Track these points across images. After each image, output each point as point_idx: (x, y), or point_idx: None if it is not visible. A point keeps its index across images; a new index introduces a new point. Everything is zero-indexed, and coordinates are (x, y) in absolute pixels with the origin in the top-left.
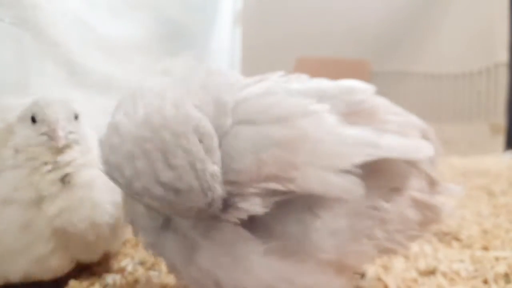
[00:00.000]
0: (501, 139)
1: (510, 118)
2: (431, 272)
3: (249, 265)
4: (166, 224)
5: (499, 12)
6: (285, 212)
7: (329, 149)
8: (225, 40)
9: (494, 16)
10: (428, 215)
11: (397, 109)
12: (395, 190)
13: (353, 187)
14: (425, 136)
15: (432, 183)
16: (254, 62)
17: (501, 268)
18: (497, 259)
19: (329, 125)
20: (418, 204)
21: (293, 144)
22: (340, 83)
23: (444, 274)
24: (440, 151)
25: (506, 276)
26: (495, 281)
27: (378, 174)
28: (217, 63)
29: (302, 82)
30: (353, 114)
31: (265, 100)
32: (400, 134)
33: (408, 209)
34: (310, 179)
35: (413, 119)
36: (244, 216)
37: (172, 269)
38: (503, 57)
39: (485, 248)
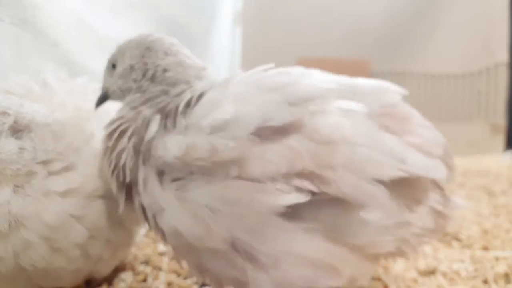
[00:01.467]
0: (501, 139)
1: (510, 118)
2: (431, 272)
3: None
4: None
5: (499, 12)
6: (316, 202)
7: (366, 156)
8: (225, 40)
9: (494, 16)
10: (440, 223)
11: (425, 122)
12: (417, 200)
13: (382, 197)
14: (445, 154)
15: (445, 196)
16: (254, 62)
17: (501, 268)
18: (497, 259)
19: (367, 129)
20: (435, 213)
21: (332, 144)
22: (372, 81)
23: (444, 274)
24: (455, 168)
25: (506, 276)
26: (495, 281)
27: (405, 186)
28: (217, 63)
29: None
30: (386, 116)
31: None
32: (425, 152)
33: (426, 217)
34: (345, 184)
35: (438, 135)
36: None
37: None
38: (503, 57)
39: (485, 248)
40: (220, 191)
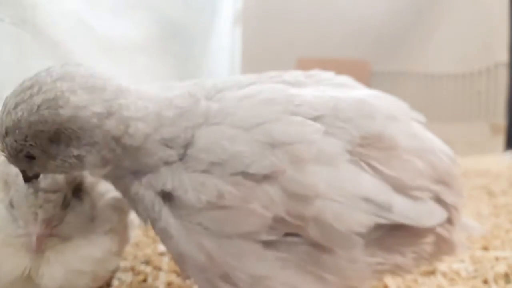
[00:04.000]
0: (501, 139)
1: (510, 118)
2: (431, 272)
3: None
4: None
5: (499, 12)
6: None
7: (339, 210)
8: (225, 40)
9: (494, 16)
10: (443, 248)
11: (423, 146)
12: (409, 243)
13: (356, 245)
14: (444, 179)
15: (452, 221)
16: (254, 62)
17: (501, 268)
18: (497, 259)
19: (343, 181)
20: (439, 239)
21: (306, 197)
22: (361, 98)
23: (444, 274)
24: (462, 191)
25: (506, 276)
26: (495, 281)
27: (394, 231)
28: (217, 63)
29: (315, 84)
30: (369, 146)
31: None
32: (413, 189)
33: (426, 244)
34: (316, 233)
35: (429, 159)
36: None
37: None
38: (503, 57)
39: (485, 248)
40: (213, 217)
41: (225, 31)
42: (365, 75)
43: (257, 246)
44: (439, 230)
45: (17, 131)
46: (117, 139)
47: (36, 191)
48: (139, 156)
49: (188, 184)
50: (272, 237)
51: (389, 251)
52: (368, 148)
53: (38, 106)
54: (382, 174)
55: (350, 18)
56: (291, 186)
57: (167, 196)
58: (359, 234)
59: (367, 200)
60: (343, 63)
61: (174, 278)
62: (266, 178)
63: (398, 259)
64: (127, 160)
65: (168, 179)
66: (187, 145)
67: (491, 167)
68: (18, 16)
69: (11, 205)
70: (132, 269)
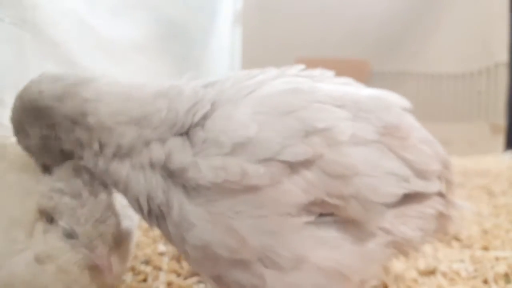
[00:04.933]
0: (501, 139)
1: (510, 118)
2: (431, 272)
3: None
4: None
5: (499, 12)
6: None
7: (374, 184)
8: (225, 40)
9: (494, 16)
10: (443, 223)
11: (426, 135)
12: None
13: (386, 216)
14: (444, 168)
15: (447, 199)
16: (254, 62)
17: (501, 268)
18: (497, 259)
19: (375, 156)
20: (438, 215)
21: (346, 176)
22: (375, 93)
23: (444, 274)
24: (453, 182)
25: (506, 276)
26: (495, 281)
27: (409, 203)
28: (217, 63)
29: (331, 82)
30: (388, 135)
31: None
32: (422, 169)
33: (431, 219)
34: (354, 210)
35: (438, 149)
36: None
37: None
38: (503, 57)
39: (485, 248)
40: (246, 200)
41: (225, 31)
42: (365, 75)
43: (296, 225)
44: (438, 204)
45: None
46: (73, 120)
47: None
48: (104, 137)
49: (207, 168)
50: (309, 218)
51: (399, 220)
52: (388, 137)
53: None
54: (403, 159)
55: (350, 18)
56: (331, 168)
57: (177, 182)
58: (389, 205)
59: (394, 174)
60: (343, 63)
61: (174, 278)
62: (302, 164)
63: (405, 230)
64: (94, 143)
65: (173, 158)
66: (188, 128)
67: (491, 167)
68: (18, 16)
69: (67, 235)
70: (132, 269)
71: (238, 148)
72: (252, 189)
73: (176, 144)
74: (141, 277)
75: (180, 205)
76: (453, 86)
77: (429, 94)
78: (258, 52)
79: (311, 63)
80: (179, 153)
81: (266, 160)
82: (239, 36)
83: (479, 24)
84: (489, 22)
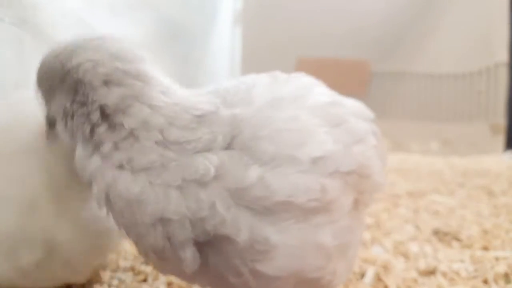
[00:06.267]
0: (501, 139)
1: (510, 118)
2: (431, 272)
3: None
4: None
5: (499, 12)
6: None
7: (381, 175)
8: (225, 40)
9: (494, 16)
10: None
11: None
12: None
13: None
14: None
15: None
16: (254, 62)
17: (501, 268)
18: (497, 259)
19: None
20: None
21: (369, 177)
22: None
23: (444, 274)
24: (384, 146)
25: (506, 276)
26: (495, 281)
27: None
28: (217, 63)
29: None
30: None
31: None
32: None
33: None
34: (368, 191)
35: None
36: None
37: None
38: (503, 57)
39: (485, 248)
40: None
41: (225, 31)
42: (365, 75)
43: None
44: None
45: None
46: (103, 111)
47: None
48: (124, 145)
49: (280, 185)
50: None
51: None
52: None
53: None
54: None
55: (350, 18)
56: (363, 170)
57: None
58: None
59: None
60: (343, 63)
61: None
62: (350, 172)
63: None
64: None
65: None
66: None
67: (491, 167)
68: (18, 16)
69: None
70: (132, 269)
71: (314, 162)
72: (329, 203)
73: (229, 159)
74: (141, 277)
75: (250, 229)
76: (453, 86)
77: (429, 94)
78: (258, 52)
79: (311, 63)
80: (236, 168)
81: (333, 173)
82: (239, 36)
83: (479, 24)
84: (489, 22)
